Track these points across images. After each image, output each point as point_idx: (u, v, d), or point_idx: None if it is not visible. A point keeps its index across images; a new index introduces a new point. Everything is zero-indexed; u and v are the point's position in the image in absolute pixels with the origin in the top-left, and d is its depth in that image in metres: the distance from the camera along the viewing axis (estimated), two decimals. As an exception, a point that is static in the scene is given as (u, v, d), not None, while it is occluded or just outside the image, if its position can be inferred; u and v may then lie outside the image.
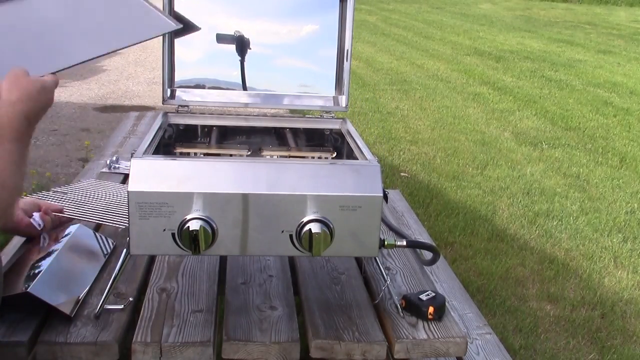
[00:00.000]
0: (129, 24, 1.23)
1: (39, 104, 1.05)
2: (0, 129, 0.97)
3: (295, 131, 1.53)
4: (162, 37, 1.47)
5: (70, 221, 1.46)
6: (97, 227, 1.52)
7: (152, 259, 1.38)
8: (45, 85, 1.06)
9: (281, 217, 1.08)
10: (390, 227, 1.65)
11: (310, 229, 1.06)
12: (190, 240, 1.05)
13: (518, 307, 2.69)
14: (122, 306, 1.17)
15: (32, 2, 1.23)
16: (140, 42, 1.19)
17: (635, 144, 5.23)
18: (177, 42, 1.43)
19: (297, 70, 1.53)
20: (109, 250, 1.37)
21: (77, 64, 1.15)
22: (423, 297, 1.21)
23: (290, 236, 1.09)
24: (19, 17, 1.19)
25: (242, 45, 1.44)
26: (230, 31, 1.43)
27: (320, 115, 1.51)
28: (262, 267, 1.38)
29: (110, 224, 1.49)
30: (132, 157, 1.09)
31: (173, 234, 1.06)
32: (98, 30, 1.21)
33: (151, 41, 1.17)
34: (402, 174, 4.21)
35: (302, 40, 1.50)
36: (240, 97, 1.49)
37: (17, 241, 1.45)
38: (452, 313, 1.24)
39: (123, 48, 1.20)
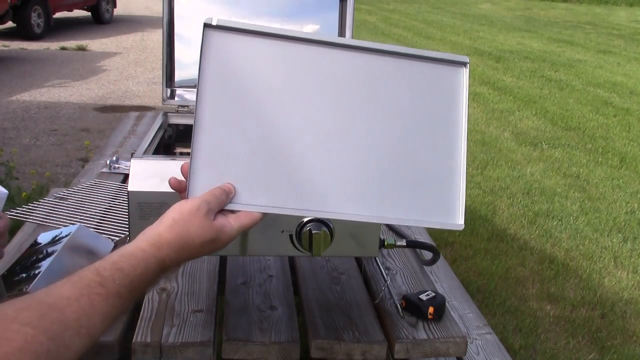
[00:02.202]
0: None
1: (192, 255, 0.78)
2: (127, 275, 0.71)
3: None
4: (161, 36, 1.47)
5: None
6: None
7: (152, 259, 1.37)
8: (221, 235, 0.78)
9: (281, 217, 1.08)
10: (390, 227, 1.65)
11: (310, 229, 1.06)
12: (190, 240, 1.04)
13: (518, 307, 2.69)
14: (122, 306, 1.17)
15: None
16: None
17: (635, 144, 5.23)
18: (177, 42, 1.43)
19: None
20: (109, 250, 1.37)
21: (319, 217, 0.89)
22: (423, 297, 1.21)
23: (290, 236, 1.09)
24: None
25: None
26: (230, 31, 1.43)
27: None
28: (262, 267, 1.38)
29: (105, 234, 1.49)
30: (132, 157, 1.09)
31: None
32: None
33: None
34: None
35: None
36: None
37: (17, 241, 1.45)
38: (452, 313, 1.24)
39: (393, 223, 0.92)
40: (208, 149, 0.84)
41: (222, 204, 0.81)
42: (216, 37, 0.85)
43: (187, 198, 0.81)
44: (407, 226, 1.77)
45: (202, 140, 0.83)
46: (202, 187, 0.82)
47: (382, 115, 0.89)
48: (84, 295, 0.66)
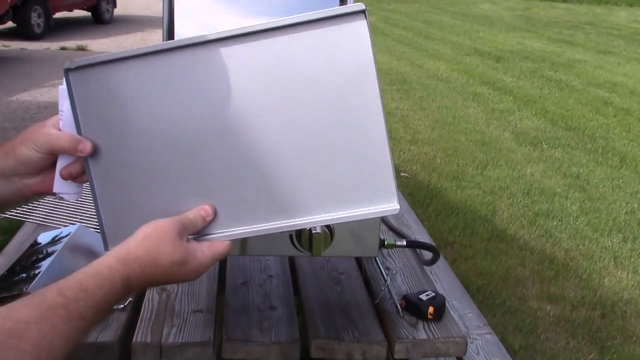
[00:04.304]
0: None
1: (159, 275, 0.74)
2: (92, 294, 0.67)
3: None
4: (161, 36, 1.47)
5: None
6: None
7: (152, 259, 1.37)
8: (190, 259, 0.75)
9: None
10: (390, 227, 1.65)
11: (310, 229, 1.06)
12: (190, 240, 1.04)
13: (518, 307, 2.69)
14: (122, 306, 1.17)
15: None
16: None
17: (635, 144, 5.23)
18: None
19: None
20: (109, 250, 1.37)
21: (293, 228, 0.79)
22: (423, 297, 1.21)
23: (290, 236, 1.08)
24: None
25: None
26: (230, 31, 1.43)
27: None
28: (262, 267, 1.38)
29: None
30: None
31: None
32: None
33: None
34: (402, 174, 4.21)
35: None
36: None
37: (17, 241, 1.45)
38: (452, 313, 1.24)
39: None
40: (113, 194, 0.81)
41: (196, 228, 0.79)
42: (79, 77, 0.79)
43: (105, 249, 0.79)
44: (407, 226, 1.77)
45: (104, 188, 0.80)
46: (119, 235, 0.78)
47: (284, 105, 0.78)
48: (44, 318, 0.63)
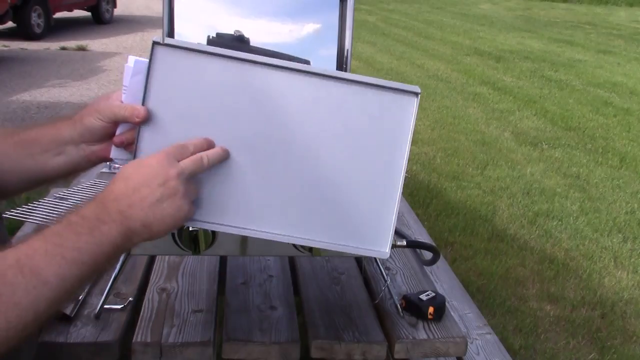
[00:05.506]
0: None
1: (146, 177, 0.79)
2: (64, 215, 0.76)
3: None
4: (161, 36, 1.47)
5: None
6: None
7: (152, 259, 1.37)
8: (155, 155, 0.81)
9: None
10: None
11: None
12: (190, 241, 1.05)
13: (518, 307, 2.69)
14: (122, 306, 1.17)
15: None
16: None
17: (635, 144, 5.23)
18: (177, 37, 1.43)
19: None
20: (109, 250, 1.37)
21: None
22: (423, 297, 1.21)
23: (291, 236, 1.09)
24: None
25: (241, 44, 1.44)
26: (230, 31, 1.43)
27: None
28: (262, 267, 1.38)
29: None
30: (133, 157, 1.09)
31: (173, 234, 1.06)
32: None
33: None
34: (402, 174, 4.20)
35: (302, 40, 1.50)
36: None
37: (16, 241, 1.45)
38: (452, 313, 1.24)
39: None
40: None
41: (184, 155, 0.82)
42: (165, 53, 0.86)
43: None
44: (407, 226, 1.77)
45: (144, 151, 0.86)
46: None
47: (324, 140, 0.89)
48: (22, 243, 0.72)
